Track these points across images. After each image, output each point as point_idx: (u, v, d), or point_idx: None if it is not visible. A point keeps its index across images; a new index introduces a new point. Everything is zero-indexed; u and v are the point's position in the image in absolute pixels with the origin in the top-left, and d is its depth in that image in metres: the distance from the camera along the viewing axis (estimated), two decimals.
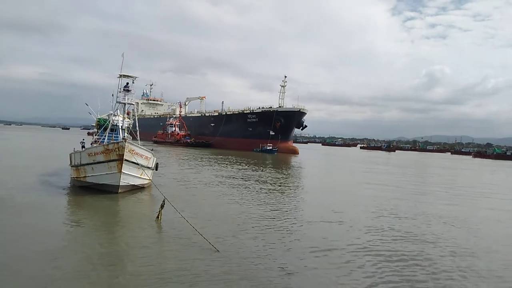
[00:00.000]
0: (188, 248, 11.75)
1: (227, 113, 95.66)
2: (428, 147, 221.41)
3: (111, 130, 24.21)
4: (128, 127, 25.85)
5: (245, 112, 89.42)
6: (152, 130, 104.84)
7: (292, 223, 16.14)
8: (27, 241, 11.60)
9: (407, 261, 11.88)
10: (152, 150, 23.78)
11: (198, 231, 12.61)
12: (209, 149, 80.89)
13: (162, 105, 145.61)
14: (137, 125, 25.31)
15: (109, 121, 24.31)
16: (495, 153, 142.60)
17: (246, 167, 42.73)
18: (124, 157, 19.60)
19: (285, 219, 16.86)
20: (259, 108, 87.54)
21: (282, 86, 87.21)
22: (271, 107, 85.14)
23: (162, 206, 14.93)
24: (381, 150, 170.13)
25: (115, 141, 20.93)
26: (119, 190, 20.05)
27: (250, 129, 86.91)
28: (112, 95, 24.12)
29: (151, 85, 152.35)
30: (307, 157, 79.06)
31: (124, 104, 24.02)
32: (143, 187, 22.32)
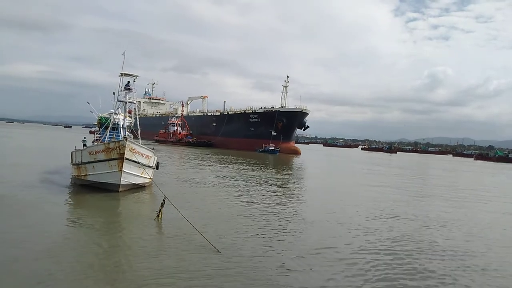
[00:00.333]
0: (188, 247, 11.76)
1: (229, 112, 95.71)
2: (429, 149, 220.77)
3: (113, 128, 24.24)
4: (129, 126, 25.89)
5: (247, 112, 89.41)
6: (154, 129, 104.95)
7: (292, 223, 16.14)
8: (27, 238, 11.62)
9: (404, 260, 11.96)
10: (153, 149, 23.81)
11: (198, 230, 12.62)
12: (210, 149, 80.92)
13: (164, 104, 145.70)
14: (138, 124, 25.34)
15: (110, 120, 24.34)
16: (497, 155, 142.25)
17: (247, 167, 42.75)
18: (125, 156, 19.62)
19: (285, 219, 16.87)
20: (261, 108, 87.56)
21: (284, 86, 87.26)
22: (273, 107, 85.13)
23: (162, 205, 14.94)
24: (383, 151, 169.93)
25: (116, 140, 20.95)
26: (120, 189, 20.07)
27: (252, 129, 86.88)
28: (114, 94, 24.18)
29: (153, 84, 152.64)
30: (309, 157, 79.03)
31: (125, 102, 24.07)
32: (144, 186, 22.34)
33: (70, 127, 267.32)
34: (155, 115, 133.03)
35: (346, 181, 37.61)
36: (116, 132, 24.23)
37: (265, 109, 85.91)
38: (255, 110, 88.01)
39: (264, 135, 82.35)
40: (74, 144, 25.52)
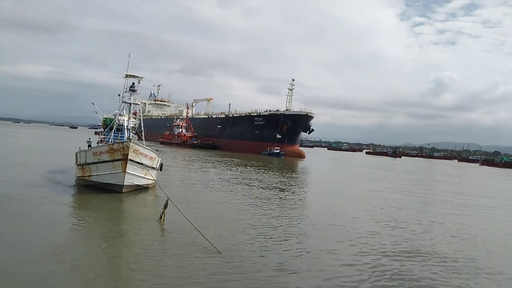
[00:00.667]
0: (190, 249, 11.77)
1: (234, 115, 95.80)
2: (435, 154, 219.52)
3: (117, 129, 24.35)
4: (134, 127, 25.99)
5: (252, 114, 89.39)
6: (159, 131, 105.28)
7: (294, 226, 16.17)
8: (30, 238, 11.67)
9: (404, 264, 11.96)
10: (156, 150, 23.87)
11: (200, 231, 12.62)
12: (215, 151, 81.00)
13: (169, 106, 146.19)
14: (142, 125, 25.43)
15: (115, 121, 24.45)
16: (503, 161, 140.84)
17: (252, 169, 42.73)
18: (129, 157, 19.68)
19: (287, 221, 16.87)
20: (266, 111, 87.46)
21: (289, 89, 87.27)
22: (278, 110, 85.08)
23: (165, 206, 14.95)
24: (387, 156, 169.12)
25: (120, 141, 21.03)
26: (123, 190, 20.12)
27: (257, 132, 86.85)
28: (119, 95, 24.30)
29: (158, 86, 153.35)
30: (313, 161, 78.94)
31: (130, 104, 24.18)
32: (147, 187, 22.39)
33: (76, 127, 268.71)
34: (160, 116, 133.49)
35: (349, 185, 37.52)
36: (120, 133, 24.33)
37: (270, 112, 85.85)
38: (260, 113, 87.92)
39: (269, 138, 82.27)
40: (79, 145, 25.66)
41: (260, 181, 31.26)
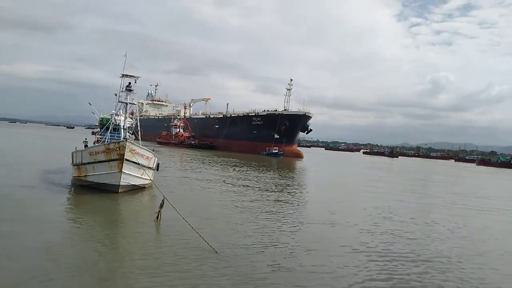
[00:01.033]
0: (186, 248, 11.76)
1: (232, 115, 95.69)
2: (431, 154, 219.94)
3: (114, 129, 24.23)
4: (131, 127, 25.88)
5: (250, 114, 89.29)
6: (156, 131, 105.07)
7: (289, 224, 16.27)
8: (25, 237, 11.63)
9: (398, 261, 12.09)
10: (153, 150, 23.80)
11: (197, 231, 12.59)
12: (213, 151, 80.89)
13: (166, 106, 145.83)
14: (138, 125, 25.34)
15: (112, 121, 24.35)
16: (499, 161, 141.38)
17: (249, 169, 42.70)
18: (125, 157, 19.60)
19: (283, 220, 16.93)
20: (264, 111, 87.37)
21: (288, 89, 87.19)
22: (276, 110, 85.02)
23: (161, 206, 14.87)
24: (384, 155, 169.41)
25: (116, 141, 20.94)
26: (120, 190, 20.04)
27: (255, 131, 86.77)
28: (115, 95, 24.21)
29: (156, 85, 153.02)
30: (311, 161, 78.95)
31: (126, 103, 24.10)
32: (144, 187, 22.31)
33: (73, 127, 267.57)
34: (158, 116, 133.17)
35: (346, 185, 37.64)
36: (117, 133, 24.21)
37: (268, 112, 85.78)
38: (258, 112, 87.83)
39: (267, 138, 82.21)
40: (75, 145, 25.55)
41: (258, 181, 31.23)
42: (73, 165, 22.76)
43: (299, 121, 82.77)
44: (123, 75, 23.86)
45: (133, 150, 20.20)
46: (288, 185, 31.24)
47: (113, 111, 25.09)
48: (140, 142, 23.91)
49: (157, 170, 24.38)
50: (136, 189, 21.54)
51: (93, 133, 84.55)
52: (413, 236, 15.95)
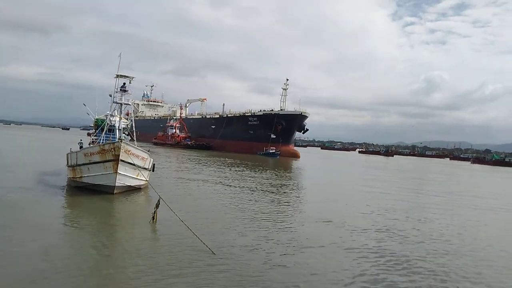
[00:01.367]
0: (181, 247, 11.76)
1: (228, 115, 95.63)
2: (427, 153, 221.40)
3: (109, 130, 24.15)
4: (126, 128, 25.80)
5: (246, 114, 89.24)
6: (152, 132, 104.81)
7: (287, 223, 16.31)
8: (19, 238, 11.57)
9: (392, 260, 12.13)
10: (148, 151, 23.74)
11: (193, 231, 12.57)
12: (209, 152, 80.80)
13: (162, 106, 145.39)
14: (133, 126, 25.27)
15: (106, 122, 24.27)
16: (493, 159, 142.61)
17: (245, 170, 42.70)
18: (120, 158, 19.53)
19: (280, 219, 16.96)
20: (261, 111, 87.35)
21: (283, 89, 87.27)
22: (272, 110, 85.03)
23: (157, 206, 14.81)
24: (380, 154, 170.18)
25: (111, 142, 20.87)
26: (115, 191, 19.97)
27: (251, 132, 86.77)
28: (110, 96, 24.13)
29: (151, 86, 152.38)
30: (307, 160, 79.12)
31: (121, 104, 24.03)
32: (140, 188, 22.25)
33: (68, 129, 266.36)
34: (154, 117, 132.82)
35: (342, 184, 37.80)
36: (112, 134, 24.13)
37: (265, 112, 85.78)
38: (254, 113, 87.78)
39: (263, 138, 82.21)
40: (70, 146, 25.43)
41: (254, 181, 31.25)
42: (68, 166, 22.65)
43: (295, 121, 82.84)
44: (117, 76, 23.81)
45: (128, 151, 20.13)
46: (285, 185, 31.29)
47: (108, 112, 25.02)
48: (136, 143, 23.85)
49: (153, 170, 24.32)
50: (132, 190, 21.47)
51: (88, 134, 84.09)
52: (408, 234, 16.02)
